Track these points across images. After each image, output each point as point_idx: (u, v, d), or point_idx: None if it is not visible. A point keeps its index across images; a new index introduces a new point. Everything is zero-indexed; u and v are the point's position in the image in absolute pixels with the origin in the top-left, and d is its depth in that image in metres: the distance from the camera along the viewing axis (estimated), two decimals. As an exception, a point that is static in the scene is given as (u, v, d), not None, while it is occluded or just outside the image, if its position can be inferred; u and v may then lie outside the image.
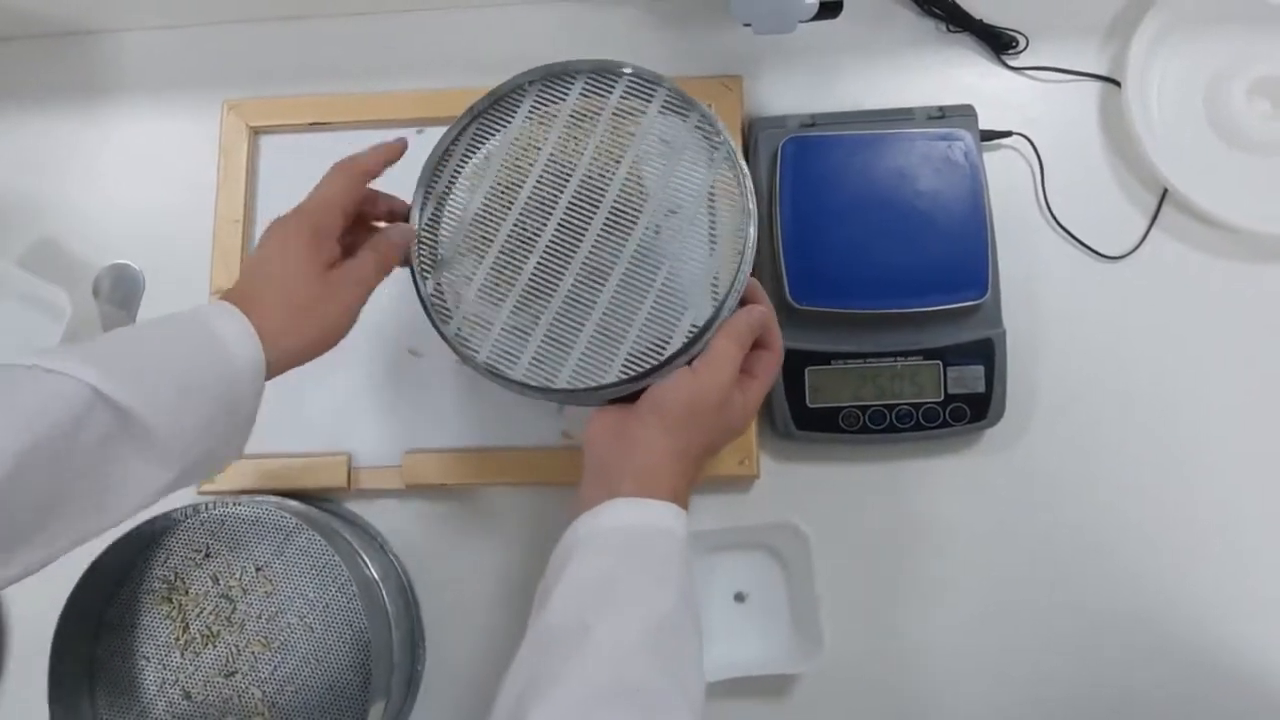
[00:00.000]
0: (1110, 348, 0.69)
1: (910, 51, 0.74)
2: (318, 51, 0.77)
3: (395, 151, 0.56)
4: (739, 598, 0.67)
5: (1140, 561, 0.66)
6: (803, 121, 0.70)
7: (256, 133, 0.74)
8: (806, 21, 0.64)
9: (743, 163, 0.53)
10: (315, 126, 0.74)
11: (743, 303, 0.54)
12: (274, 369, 0.49)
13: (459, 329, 0.54)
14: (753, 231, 0.52)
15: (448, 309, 0.55)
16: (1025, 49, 0.74)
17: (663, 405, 0.50)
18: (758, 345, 0.54)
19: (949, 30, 0.74)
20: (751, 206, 0.52)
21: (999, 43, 0.74)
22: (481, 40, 0.76)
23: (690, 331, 0.51)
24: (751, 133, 0.70)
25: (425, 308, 0.55)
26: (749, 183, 0.53)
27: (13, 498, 0.40)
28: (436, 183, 0.57)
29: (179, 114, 0.77)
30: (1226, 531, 0.66)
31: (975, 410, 0.66)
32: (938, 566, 0.67)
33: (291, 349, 0.49)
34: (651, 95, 0.56)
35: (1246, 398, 0.68)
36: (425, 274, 0.56)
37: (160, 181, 0.76)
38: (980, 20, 0.73)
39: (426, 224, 0.56)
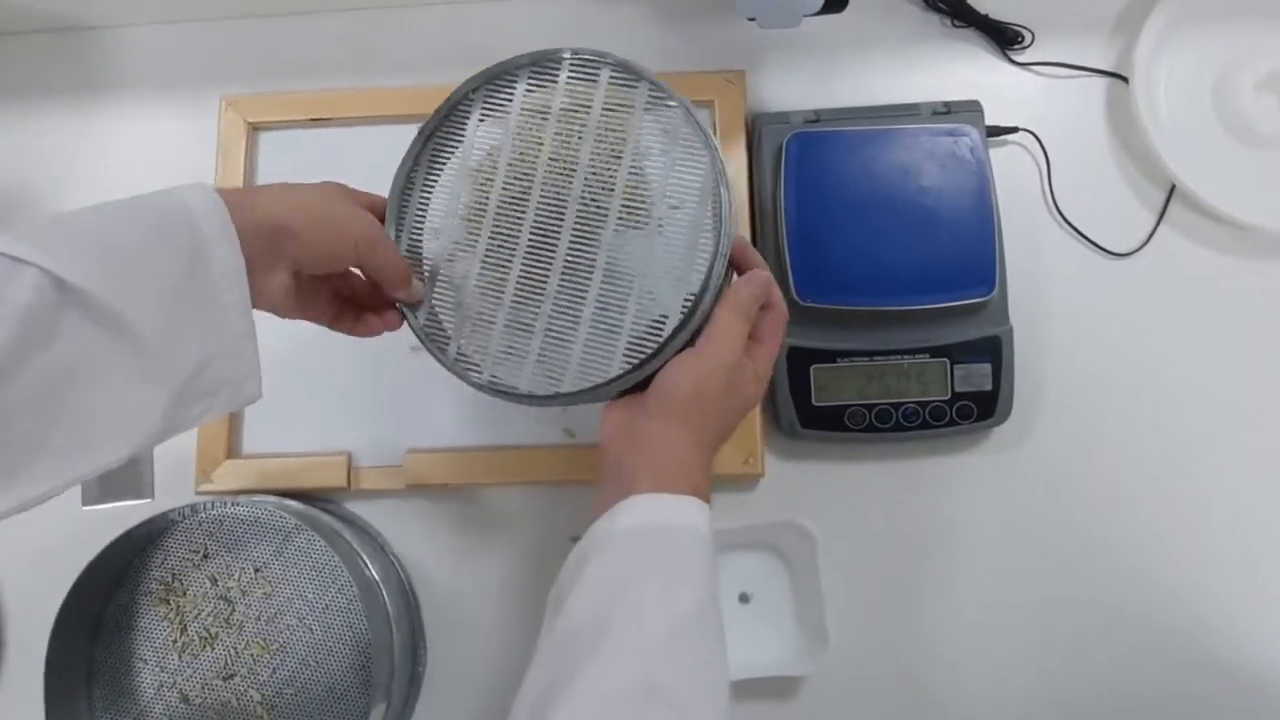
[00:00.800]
0: (1118, 344, 0.68)
1: (915, 47, 0.74)
2: (317, 47, 0.77)
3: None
4: (744, 598, 0.66)
5: (1148, 558, 0.66)
6: (807, 117, 0.69)
7: (255, 129, 0.74)
8: (811, 16, 0.63)
9: (702, 122, 0.51)
10: (314, 123, 0.73)
11: (740, 270, 0.52)
12: (249, 232, 0.43)
13: (458, 352, 0.53)
14: (725, 191, 0.50)
15: (444, 335, 0.54)
16: (1031, 44, 0.73)
17: (669, 394, 0.49)
18: (760, 307, 0.52)
19: (954, 25, 0.74)
20: (721, 165, 0.51)
21: (1005, 38, 0.73)
22: (482, 35, 0.75)
23: (685, 305, 0.49)
24: (755, 128, 0.70)
25: (420, 338, 0.54)
26: (714, 141, 0.51)
27: None
28: (406, 210, 0.55)
29: (177, 110, 0.76)
30: (1235, 527, 0.66)
31: (982, 408, 0.65)
32: (944, 565, 0.66)
33: (276, 213, 0.45)
34: (597, 74, 0.54)
35: (1255, 394, 0.68)
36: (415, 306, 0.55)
37: (159, 178, 0.71)
38: (986, 15, 0.73)
39: (405, 254, 0.55)
